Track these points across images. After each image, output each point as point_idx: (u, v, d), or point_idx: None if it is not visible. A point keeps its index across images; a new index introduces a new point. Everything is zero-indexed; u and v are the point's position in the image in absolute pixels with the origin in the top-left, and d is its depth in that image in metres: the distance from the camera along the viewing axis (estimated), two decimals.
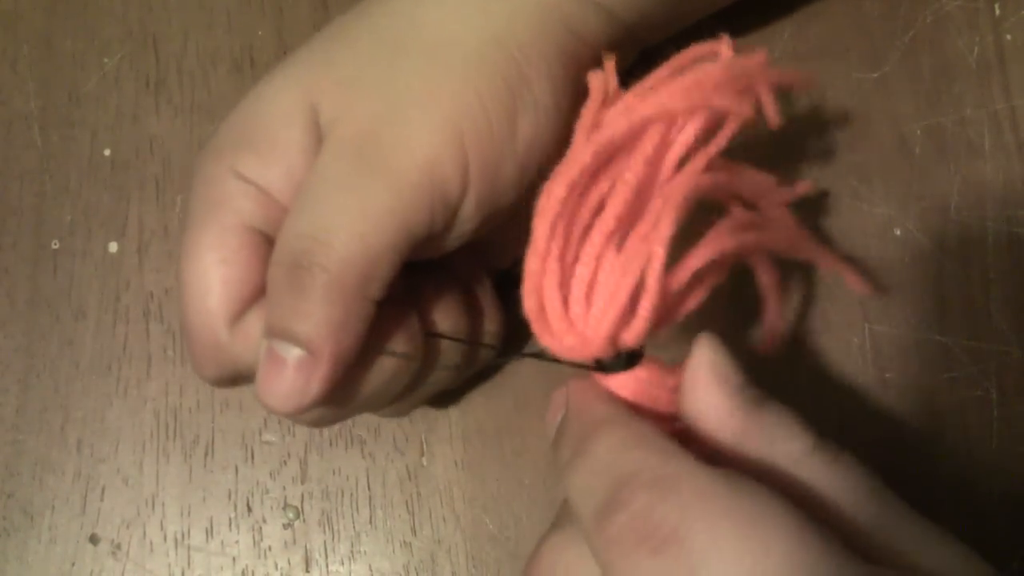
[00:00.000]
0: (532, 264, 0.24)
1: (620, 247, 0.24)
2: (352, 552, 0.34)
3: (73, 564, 0.35)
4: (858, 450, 0.23)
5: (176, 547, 0.35)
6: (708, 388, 0.23)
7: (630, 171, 0.24)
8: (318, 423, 0.28)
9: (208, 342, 0.26)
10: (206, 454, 0.35)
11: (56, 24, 0.39)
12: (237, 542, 0.35)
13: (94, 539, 0.35)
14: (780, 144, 0.35)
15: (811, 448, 0.23)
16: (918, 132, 0.35)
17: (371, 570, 0.34)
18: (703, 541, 0.20)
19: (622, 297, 0.23)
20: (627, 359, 0.25)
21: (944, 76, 0.35)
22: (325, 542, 0.34)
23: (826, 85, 0.36)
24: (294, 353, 0.24)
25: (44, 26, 0.39)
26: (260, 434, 0.35)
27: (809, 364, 0.34)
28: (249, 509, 0.35)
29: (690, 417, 0.24)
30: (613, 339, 0.24)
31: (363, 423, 0.35)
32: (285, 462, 0.35)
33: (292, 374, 0.24)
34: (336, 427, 0.35)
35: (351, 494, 0.35)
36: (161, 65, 0.38)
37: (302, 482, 0.35)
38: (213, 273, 0.26)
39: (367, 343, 0.26)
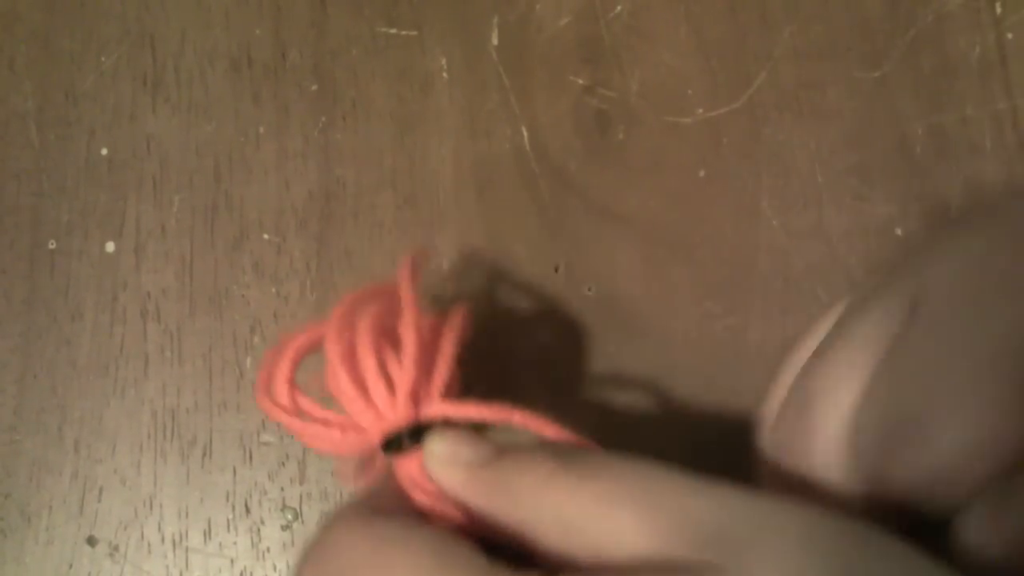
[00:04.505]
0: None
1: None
2: None
3: (71, 566, 0.35)
4: None
5: (174, 548, 0.34)
6: (443, 473, 0.26)
7: None
8: None
9: None
10: (204, 455, 0.35)
11: (53, 23, 0.39)
12: (235, 543, 0.34)
13: (92, 540, 0.35)
14: (781, 143, 0.35)
15: (551, 471, 0.24)
16: (919, 131, 0.35)
17: None
18: None
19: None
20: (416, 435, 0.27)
21: (945, 75, 0.35)
22: None
23: (826, 84, 0.35)
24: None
25: (41, 25, 0.39)
26: (258, 435, 0.35)
27: None
28: (247, 510, 0.35)
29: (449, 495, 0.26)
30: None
31: None
32: (283, 463, 0.35)
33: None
34: None
35: (350, 495, 0.34)
36: (158, 64, 0.38)
37: (300, 483, 0.35)
38: None
39: None
